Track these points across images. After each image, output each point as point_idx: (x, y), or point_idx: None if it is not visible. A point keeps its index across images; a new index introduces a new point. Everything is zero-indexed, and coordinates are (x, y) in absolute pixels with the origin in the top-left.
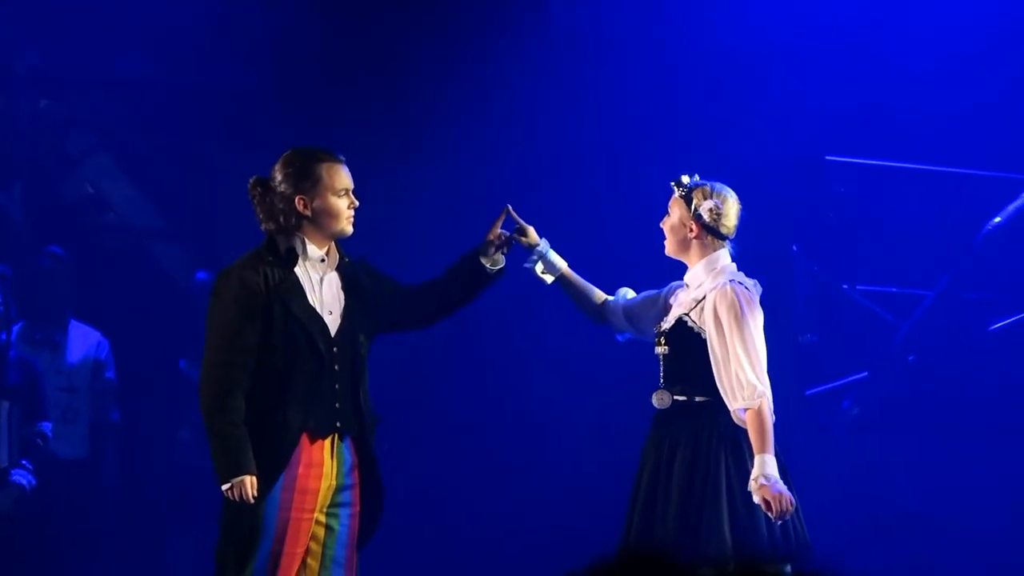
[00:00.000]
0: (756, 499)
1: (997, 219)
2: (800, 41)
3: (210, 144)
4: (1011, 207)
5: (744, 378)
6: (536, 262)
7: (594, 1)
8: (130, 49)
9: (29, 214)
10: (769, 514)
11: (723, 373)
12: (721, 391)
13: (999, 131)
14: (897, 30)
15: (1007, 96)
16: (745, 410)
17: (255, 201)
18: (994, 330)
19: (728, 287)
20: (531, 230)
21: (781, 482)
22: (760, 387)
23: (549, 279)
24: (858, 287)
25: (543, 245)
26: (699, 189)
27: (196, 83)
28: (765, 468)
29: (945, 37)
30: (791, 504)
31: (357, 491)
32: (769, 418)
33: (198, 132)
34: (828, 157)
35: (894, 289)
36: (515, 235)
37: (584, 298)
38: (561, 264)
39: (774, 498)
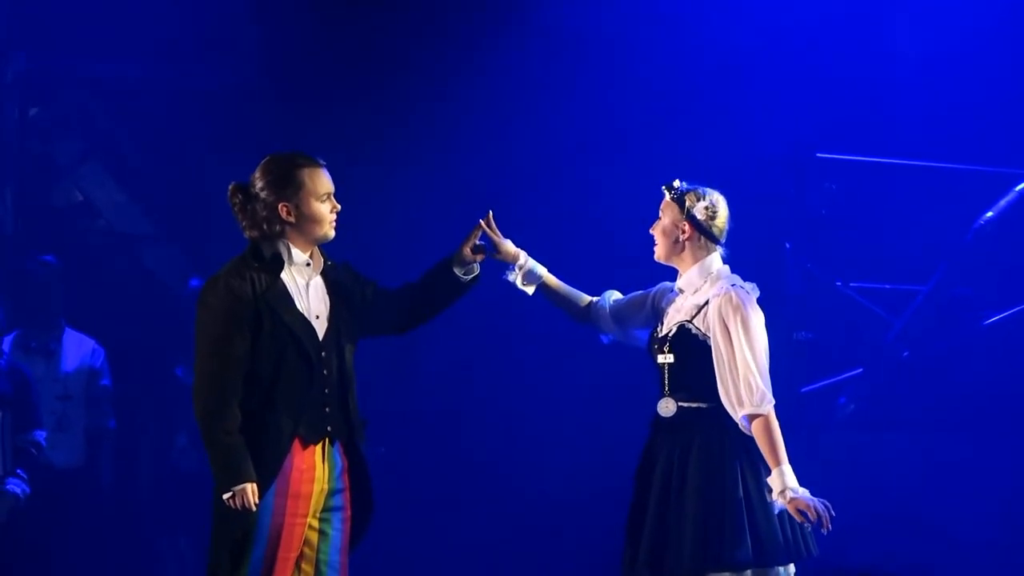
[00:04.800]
0: (777, 509)
1: (989, 214)
2: (790, 39)
3: (202, 149)
4: (1002, 202)
5: (754, 383)
6: (516, 275)
7: (582, 1)
8: (120, 55)
9: (20, 222)
10: (806, 524)
11: (729, 379)
12: (724, 398)
13: (990, 126)
14: (887, 28)
15: (997, 92)
16: (751, 418)
17: (236, 209)
18: (987, 325)
19: (732, 292)
20: (507, 245)
21: (807, 491)
22: (769, 394)
23: (530, 290)
24: (851, 284)
25: (522, 258)
26: (691, 192)
27: (187, 88)
28: (787, 480)
29: (935, 34)
30: (825, 508)
31: (348, 495)
32: (777, 426)
33: (190, 137)
34: (819, 154)
35: (887, 285)
36: (490, 253)
37: (567, 303)
38: (541, 272)
39: (808, 507)
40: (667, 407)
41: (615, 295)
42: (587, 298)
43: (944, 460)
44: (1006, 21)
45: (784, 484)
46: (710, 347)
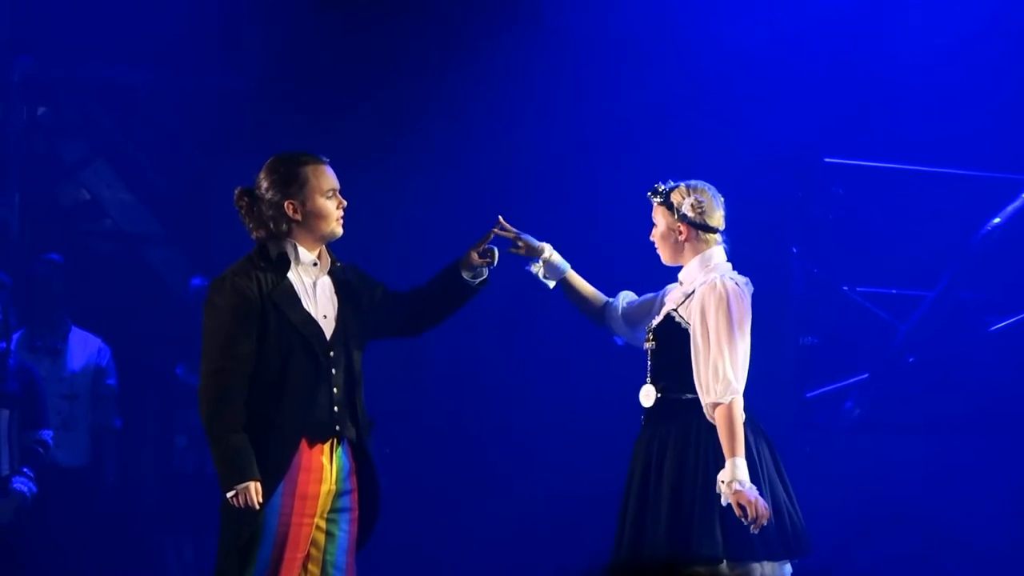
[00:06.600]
0: (724, 502)
1: (996, 219)
2: (797, 44)
3: (206, 149)
4: (1010, 207)
5: (722, 371)
6: (540, 267)
7: (588, 2)
8: (126, 57)
9: (27, 222)
10: (743, 520)
11: (701, 365)
12: (697, 384)
13: (997, 132)
14: (896, 32)
15: (1005, 97)
16: (714, 406)
17: (243, 211)
18: (994, 330)
19: (718, 281)
20: (528, 239)
21: (755, 488)
22: (735, 384)
23: (551, 283)
24: (858, 288)
25: (547, 251)
26: (675, 191)
27: (191, 89)
28: (737, 472)
29: (943, 39)
30: (766, 509)
31: (356, 496)
32: (739, 418)
33: (194, 138)
34: (827, 159)
35: (894, 290)
36: (511, 250)
37: (586, 302)
38: (564, 267)
39: (750, 504)
40: (647, 395)
41: (629, 296)
42: (604, 299)
43: (950, 464)
44: (1018, 27)
45: (733, 476)
46: (690, 336)
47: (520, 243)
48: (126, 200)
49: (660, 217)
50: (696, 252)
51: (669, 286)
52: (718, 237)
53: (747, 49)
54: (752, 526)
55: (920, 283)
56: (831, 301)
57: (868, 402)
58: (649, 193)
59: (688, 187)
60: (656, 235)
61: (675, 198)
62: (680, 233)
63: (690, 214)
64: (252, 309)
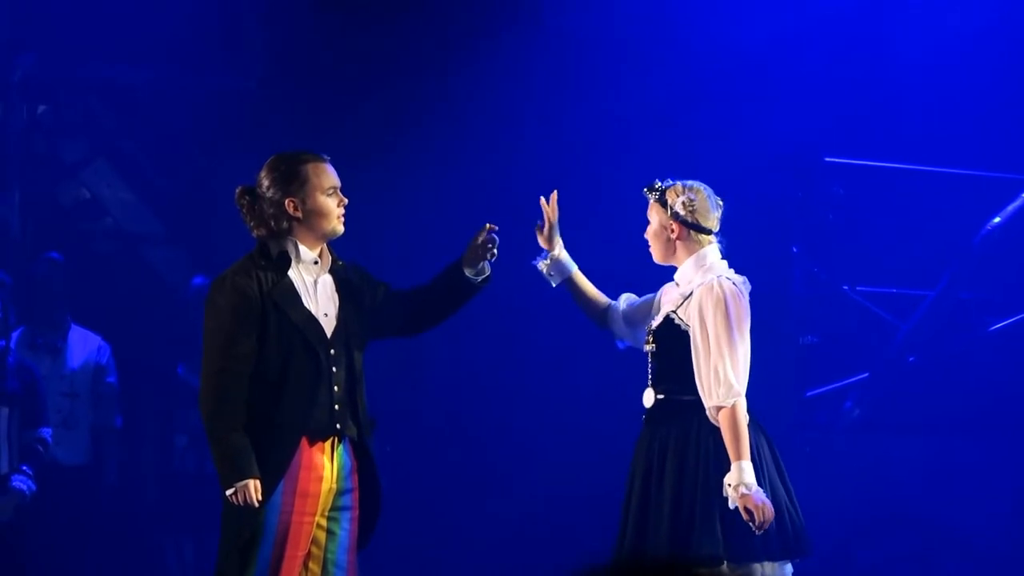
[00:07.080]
0: (731, 506)
1: (996, 219)
2: (798, 43)
3: (206, 149)
4: (1010, 207)
5: (723, 374)
6: (545, 264)
7: (588, 2)
8: (127, 56)
9: (27, 220)
10: (751, 524)
11: (702, 368)
12: (699, 388)
13: (998, 132)
14: (896, 32)
15: (1006, 97)
16: (717, 409)
17: (244, 210)
18: (994, 330)
19: (716, 282)
20: (555, 228)
21: (762, 491)
22: (737, 386)
23: (555, 282)
24: (858, 288)
25: (556, 249)
26: (670, 189)
27: (191, 89)
28: (744, 476)
29: (944, 38)
30: (773, 514)
31: (357, 494)
32: (743, 421)
33: (194, 138)
34: (827, 159)
35: (894, 290)
36: (538, 225)
37: (590, 304)
38: (571, 268)
39: (757, 508)
40: (648, 398)
41: (630, 298)
42: (607, 301)
43: (950, 465)
44: (1018, 27)
45: (740, 480)
46: (690, 338)
47: (549, 226)
48: (126, 199)
49: (654, 214)
50: (689, 252)
51: (666, 286)
52: (712, 238)
53: (747, 49)
54: (757, 530)
55: (920, 283)
56: (831, 301)
57: (868, 402)
58: (645, 189)
59: (684, 186)
60: (649, 232)
61: (669, 196)
62: (672, 231)
63: (682, 212)
64: (252, 308)
